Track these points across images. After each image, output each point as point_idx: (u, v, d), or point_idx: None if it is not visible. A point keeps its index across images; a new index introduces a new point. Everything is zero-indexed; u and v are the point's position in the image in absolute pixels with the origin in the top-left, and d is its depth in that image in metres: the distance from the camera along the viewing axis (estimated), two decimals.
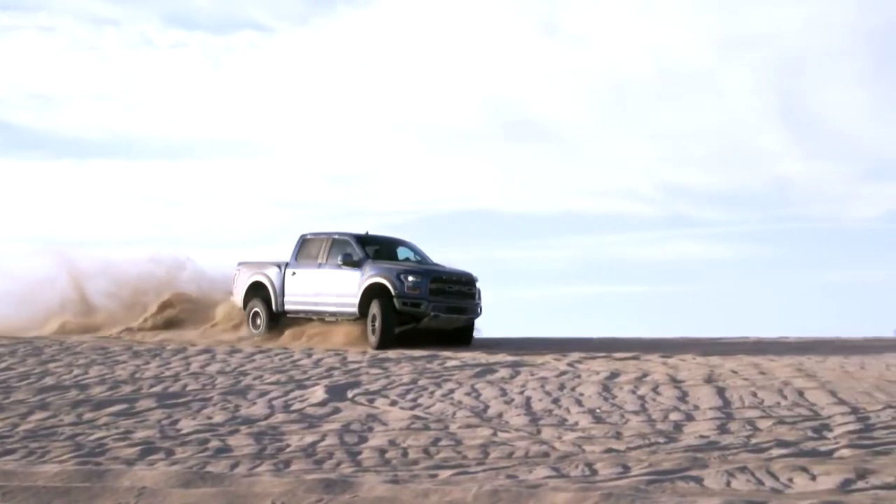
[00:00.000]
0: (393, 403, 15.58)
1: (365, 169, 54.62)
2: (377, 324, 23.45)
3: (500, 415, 14.54)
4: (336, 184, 54.04)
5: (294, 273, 25.84)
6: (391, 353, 21.82)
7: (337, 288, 24.72)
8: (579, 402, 15.41)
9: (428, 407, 15.26)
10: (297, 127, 54.67)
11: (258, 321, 26.46)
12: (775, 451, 11.62)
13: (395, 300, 23.51)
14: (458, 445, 12.27)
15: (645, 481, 10.13)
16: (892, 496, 9.49)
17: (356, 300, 24.14)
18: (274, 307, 26.16)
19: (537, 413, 14.62)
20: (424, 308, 23.60)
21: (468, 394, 16.40)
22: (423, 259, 26.16)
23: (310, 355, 21.64)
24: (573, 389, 16.62)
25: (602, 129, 50.47)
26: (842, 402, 15.10)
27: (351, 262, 24.51)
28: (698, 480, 10.23)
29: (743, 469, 10.64)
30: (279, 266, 26.21)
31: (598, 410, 14.73)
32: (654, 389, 16.46)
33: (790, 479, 10.28)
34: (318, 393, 16.40)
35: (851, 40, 47.35)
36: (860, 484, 10.05)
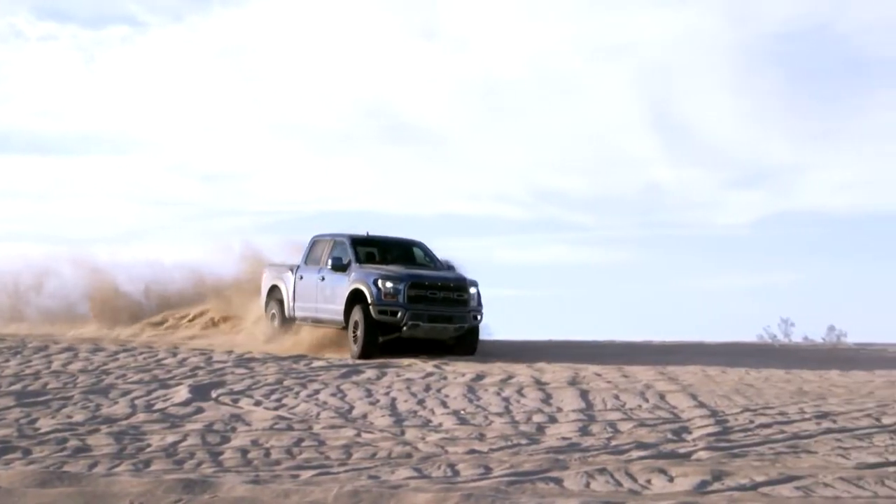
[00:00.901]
0: (257, 403, 15.47)
1: (239, 168, 54.16)
2: (358, 332, 21.63)
3: (364, 416, 14.52)
4: (209, 182, 53.51)
5: (301, 277, 24.08)
6: (257, 354, 21.66)
7: (327, 294, 22.96)
8: (444, 404, 15.46)
9: (292, 407, 15.18)
10: (170, 124, 54.00)
11: (275, 324, 25.05)
12: (635, 453, 11.78)
13: (370, 308, 21.49)
14: (322, 446, 12.22)
15: (506, 482, 10.19)
16: (747, 497, 9.68)
17: (341, 307, 22.29)
18: (287, 312, 24.54)
19: (402, 414, 14.62)
20: (401, 317, 21.43)
21: (333, 394, 16.35)
22: (433, 262, 23.95)
23: (175, 354, 21.38)
24: (439, 391, 16.67)
25: (477, 133, 50.70)
26: (702, 405, 15.37)
27: (339, 266, 22.59)
28: (558, 481, 10.32)
29: (602, 470, 10.76)
30: (292, 270, 24.56)
31: (462, 412, 14.79)
32: (519, 391, 16.57)
33: (648, 481, 10.42)
34: (182, 392, 16.21)
35: (720, 51, 48.22)
36: (716, 485, 10.23)
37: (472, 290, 22.11)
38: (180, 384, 17.12)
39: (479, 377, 18.24)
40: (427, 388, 16.89)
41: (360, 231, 24.18)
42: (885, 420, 14.39)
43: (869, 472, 10.84)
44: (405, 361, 20.54)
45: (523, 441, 12.58)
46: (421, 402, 15.58)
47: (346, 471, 10.79)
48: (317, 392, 16.57)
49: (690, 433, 13.21)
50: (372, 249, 23.72)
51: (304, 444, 12.35)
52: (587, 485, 10.22)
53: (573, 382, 17.63)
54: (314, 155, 52.96)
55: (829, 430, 13.47)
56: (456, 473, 10.73)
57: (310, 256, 24.15)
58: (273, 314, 25.06)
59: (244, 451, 11.88)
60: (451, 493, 9.42)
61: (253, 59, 52.97)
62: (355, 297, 21.84)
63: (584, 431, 13.27)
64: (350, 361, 20.62)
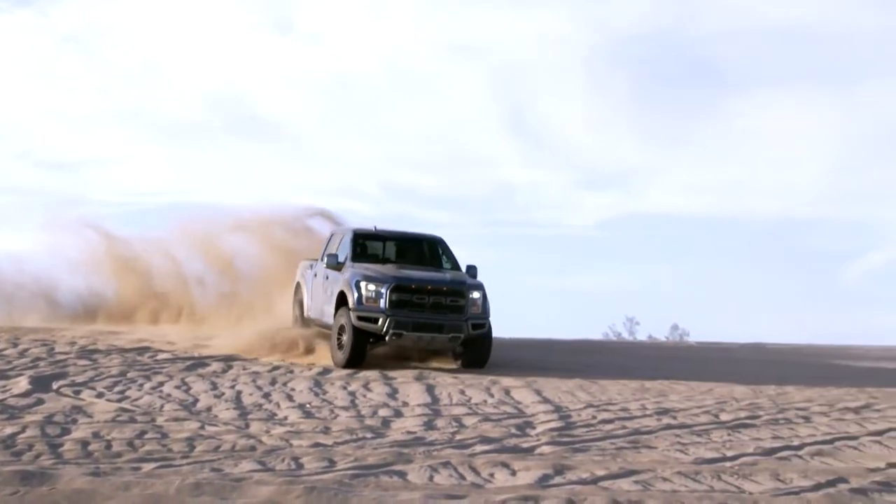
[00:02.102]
0: (99, 395, 15.19)
1: (82, 157, 53.15)
2: (344, 338, 19.17)
3: (209, 408, 14.37)
4: (50, 171, 52.40)
5: (315, 275, 21.82)
6: (101, 345, 21.28)
7: (328, 294, 20.54)
8: (290, 397, 15.38)
9: (135, 399, 14.94)
10: (10, 111, 52.74)
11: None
12: (479, 447, 11.87)
13: (350, 313, 19.04)
14: (164, 438, 12.06)
15: (350, 475, 10.18)
16: (587, 491, 9.82)
17: (332, 310, 19.98)
18: (306, 313, 22.25)
19: (247, 407, 14.51)
20: (382, 324, 18.91)
21: (178, 387, 16.14)
22: (448, 262, 21.26)
23: (15, 345, 20.89)
24: (285, 385, 16.58)
25: (330, 128, 50.59)
26: (546, 401, 15.56)
27: (335, 265, 20.36)
28: (402, 475, 10.35)
29: (446, 464, 10.83)
30: (312, 266, 22.30)
31: (308, 405, 14.73)
32: (365, 386, 16.58)
33: (491, 474, 10.51)
34: (22, 384, 15.83)
35: (573, 53, 48.85)
36: (558, 479, 10.37)
37: (474, 295, 19.47)
38: (21, 375, 16.73)
39: (326, 371, 18.20)
40: (273, 382, 16.79)
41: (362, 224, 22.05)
42: (724, 417, 14.74)
43: (706, 467, 11.09)
44: (251, 355, 20.33)
45: (368, 435, 12.58)
46: (266, 396, 15.48)
47: (188, 463, 10.66)
48: (161, 384, 16.35)
49: (534, 428, 13.36)
50: (377, 246, 21.52)
51: (146, 436, 12.17)
52: (431, 478, 10.27)
53: (420, 378, 17.70)
54: (160, 146, 52.30)
55: (668, 427, 13.75)
56: (300, 466, 10.68)
57: (326, 251, 21.63)
58: (296, 316, 23.02)
59: (85, 444, 11.66)
60: (294, 485, 9.40)
61: (102, 45, 52.09)
62: (341, 300, 19.62)
63: (429, 426, 13.32)
64: (196, 354, 20.34)
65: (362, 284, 19.07)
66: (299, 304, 22.62)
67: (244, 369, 18.22)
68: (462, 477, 10.38)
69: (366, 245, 21.08)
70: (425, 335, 19.14)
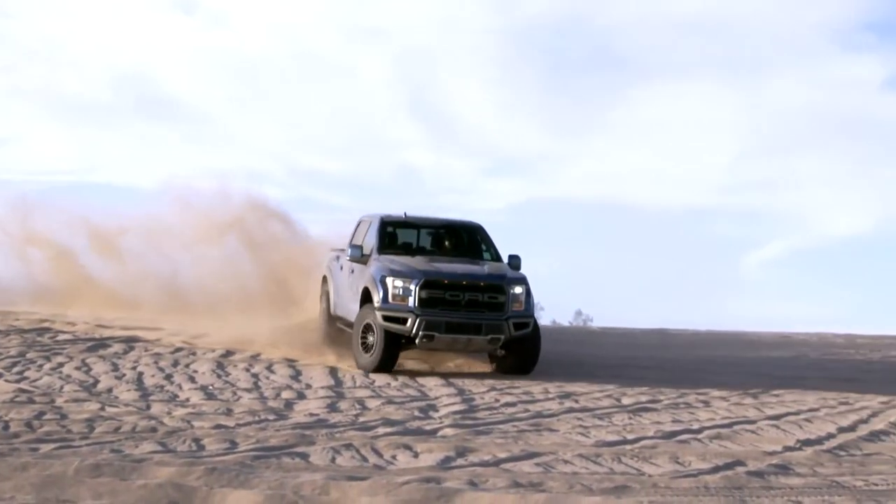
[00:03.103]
0: None
1: None
2: (371, 339, 16.85)
3: (109, 389, 14.22)
4: None
5: (342, 267, 19.25)
6: (0, 326, 20.95)
7: (354, 290, 18.05)
8: (192, 379, 15.28)
9: (35, 380, 14.74)
10: None
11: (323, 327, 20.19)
12: (381, 430, 11.87)
13: (376, 313, 16.74)
14: (64, 419, 11.91)
15: (251, 457, 10.14)
16: (489, 473, 9.88)
17: (358, 308, 17.57)
18: (331, 309, 19.67)
19: (148, 388, 14.38)
20: (411, 326, 16.57)
21: (78, 368, 15.97)
22: (488, 252, 18.86)
23: None
24: (187, 366, 16.48)
25: (235, 110, 50.21)
26: (450, 384, 15.61)
27: (358, 258, 17.99)
28: (304, 456, 10.33)
29: (349, 446, 10.83)
30: (338, 258, 19.70)
31: (210, 387, 14.64)
32: (269, 368, 16.52)
33: (393, 456, 10.53)
34: None
35: (481, 38, 48.96)
36: (460, 461, 10.42)
37: (516, 291, 17.07)
38: None
39: (229, 353, 18.08)
40: (175, 364, 16.67)
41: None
42: (625, 400, 14.90)
43: (607, 450, 11.20)
44: (152, 336, 20.10)
45: (271, 417, 12.53)
46: (168, 377, 15.36)
47: (88, 444, 10.54)
48: (61, 365, 16.16)
49: (437, 411, 13.40)
50: (407, 235, 19.13)
51: (45, 417, 12.01)
52: (333, 460, 10.27)
53: (323, 360, 17.66)
54: (68, 124, 51.59)
55: (571, 410, 13.86)
56: (201, 448, 10.61)
57: (353, 241, 19.06)
58: (323, 311, 20.36)
59: None
60: (194, 467, 9.36)
61: (5, 22, 51.23)
62: (366, 297, 17.27)
63: (333, 408, 13.30)
64: (97, 335, 20.06)
65: (388, 280, 16.76)
66: (326, 298, 20.06)
67: (146, 351, 18.06)
68: (364, 459, 10.39)
69: (395, 234, 18.80)
70: (460, 337, 16.77)
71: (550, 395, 14.93)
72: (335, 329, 19.27)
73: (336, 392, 14.53)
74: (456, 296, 16.78)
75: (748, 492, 9.59)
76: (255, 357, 17.65)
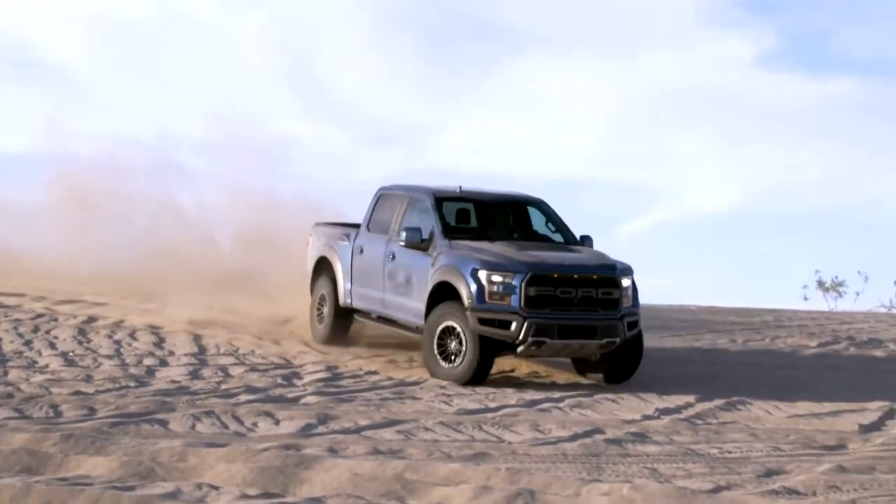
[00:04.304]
0: None
1: None
2: (453, 346, 13.94)
3: None
4: None
5: (362, 250, 16.02)
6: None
7: (400, 281, 15.13)
8: (52, 345, 15.04)
9: None
10: None
11: (324, 315, 16.77)
12: (244, 397, 11.83)
13: (468, 315, 13.78)
14: None
15: (109, 423, 10.04)
16: (350, 440, 9.91)
17: (422, 305, 14.46)
18: (340, 299, 16.36)
19: (6, 355, 14.13)
20: (516, 331, 13.66)
21: None
22: (560, 233, 15.89)
23: None
24: (48, 332, 16.20)
25: (107, 73, 49.24)
26: (315, 351, 15.57)
27: (417, 243, 14.68)
28: (164, 423, 10.26)
29: (209, 413, 10.77)
30: (348, 237, 16.49)
31: (70, 354, 14.43)
32: (132, 335, 16.30)
33: (254, 424, 10.51)
34: None
35: (357, 7, 48.73)
36: (321, 428, 10.44)
37: (625, 283, 14.35)
38: None
39: (92, 319, 17.79)
40: (35, 330, 16.38)
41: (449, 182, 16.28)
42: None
43: (468, 418, 11.30)
44: (12, 301, 19.62)
45: (132, 384, 12.40)
46: (28, 343, 15.10)
47: None
48: None
49: (301, 379, 13.39)
50: (467, 214, 15.76)
51: None
52: (192, 427, 10.21)
53: (189, 328, 17.43)
54: None
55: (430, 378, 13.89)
56: (58, 414, 10.48)
57: (374, 219, 16.13)
58: (321, 300, 16.89)
59: None
60: (50, 433, 9.25)
61: None
62: (443, 293, 14.26)
63: (195, 375, 13.21)
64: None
65: (483, 274, 13.75)
66: (330, 285, 16.60)
67: (6, 317, 17.69)
68: (225, 426, 10.35)
69: (453, 214, 15.47)
70: (573, 343, 14.08)
71: (415, 364, 14.96)
72: (345, 324, 16.55)
73: (199, 359, 14.41)
74: (567, 292, 13.91)
75: (605, 459, 9.75)
76: (118, 324, 17.39)
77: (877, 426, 11.87)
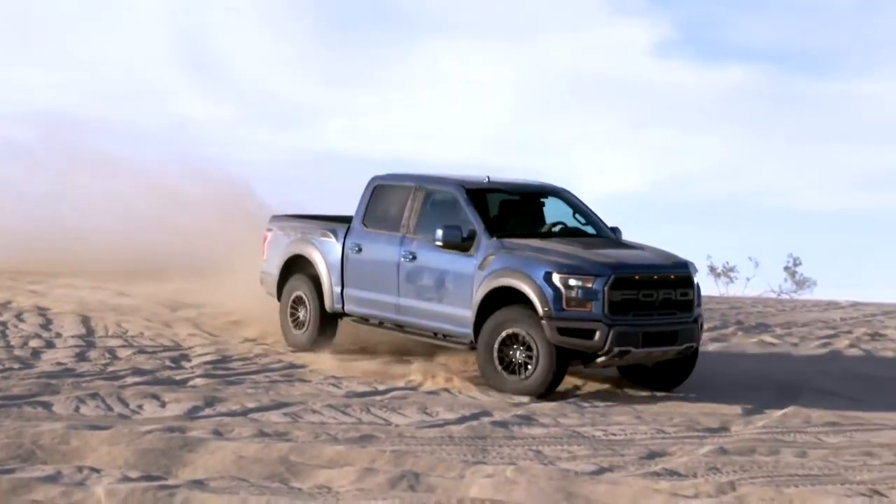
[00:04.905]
0: None
1: None
2: (534, 357, 12.40)
3: None
4: None
5: (359, 248, 14.26)
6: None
7: (428, 285, 13.56)
8: None
9: None
10: None
11: (302, 319, 14.89)
12: (130, 379, 11.73)
13: (545, 324, 12.33)
14: None
15: None
16: (236, 423, 9.89)
17: (469, 313, 12.92)
18: (327, 303, 14.57)
19: None
20: (600, 340, 12.31)
21: None
22: (593, 225, 14.49)
23: None
24: None
25: None
26: (205, 333, 15.45)
27: (457, 243, 13.12)
28: (47, 406, 10.15)
29: (94, 395, 10.67)
30: (334, 233, 14.75)
31: None
32: (18, 317, 16.03)
33: (140, 406, 10.44)
34: None
35: None
36: (207, 411, 10.39)
37: (696, 282, 13.43)
38: None
39: None
40: None
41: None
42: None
43: (357, 401, 11.30)
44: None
45: (16, 366, 12.23)
46: None
47: None
48: None
49: (189, 361, 13.28)
50: (507, 207, 14.26)
51: None
52: (77, 409, 10.11)
53: (77, 309, 17.19)
54: None
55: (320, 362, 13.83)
56: None
57: (371, 213, 14.43)
58: (296, 303, 15.00)
59: None
60: None
61: None
62: (500, 298, 12.78)
63: (81, 357, 13.04)
64: None
65: (558, 278, 12.35)
66: (309, 287, 14.78)
67: None
68: (109, 408, 10.27)
69: (491, 210, 13.81)
70: (655, 350, 12.85)
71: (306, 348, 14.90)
72: (332, 329, 14.79)
73: (86, 341, 14.23)
74: (649, 295, 12.71)
75: (491, 441, 9.83)
76: (4, 305, 17.09)
77: (759, 409, 12.07)
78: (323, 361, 13.59)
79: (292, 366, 13.35)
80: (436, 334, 13.46)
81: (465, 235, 13.05)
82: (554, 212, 14.42)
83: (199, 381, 11.94)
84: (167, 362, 13.05)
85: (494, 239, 13.02)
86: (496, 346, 12.55)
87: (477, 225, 13.17)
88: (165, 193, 22.68)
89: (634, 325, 12.44)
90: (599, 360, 12.54)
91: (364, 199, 14.53)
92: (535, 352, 12.37)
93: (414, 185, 14.09)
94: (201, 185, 22.45)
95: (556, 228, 14.08)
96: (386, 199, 14.34)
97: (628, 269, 12.65)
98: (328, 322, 14.69)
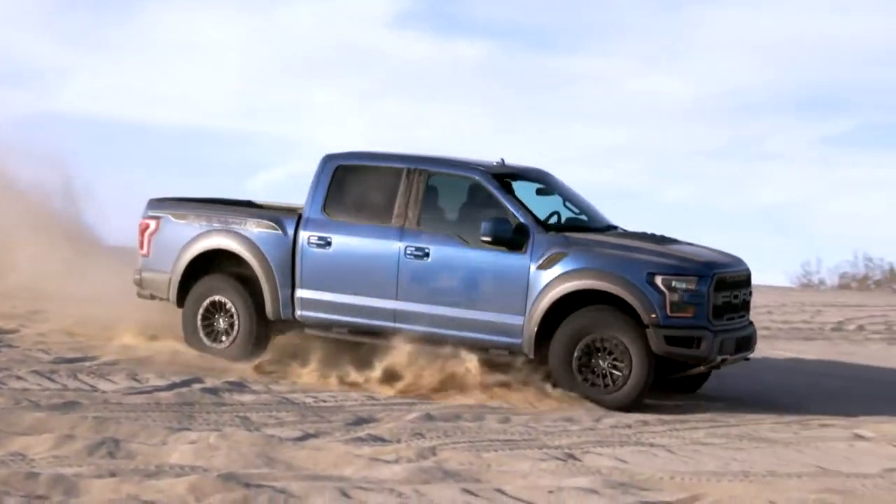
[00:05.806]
0: None
1: None
2: (630, 367, 11.06)
3: None
4: None
5: (328, 243, 12.08)
6: None
7: (457, 287, 11.63)
8: None
9: None
10: None
11: (225, 327, 12.45)
12: None
13: (649, 333, 10.97)
14: None
15: None
16: None
17: (520, 321, 11.41)
18: (269, 309, 12.30)
19: None
20: (707, 347, 11.07)
21: None
22: (588, 214, 12.80)
23: None
24: None
25: None
26: None
27: (506, 238, 11.43)
28: None
29: None
30: (279, 223, 12.40)
31: None
32: None
33: None
34: None
35: None
36: None
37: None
38: None
39: None
40: None
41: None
42: None
43: (64, 367, 11.08)
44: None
45: None
46: None
47: None
48: None
49: None
50: (533, 196, 12.38)
51: None
52: None
53: None
54: None
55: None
56: None
57: (335, 199, 12.31)
58: (211, 309, 12.52)
59: None
60: None
61: None
62: (572, 302, 11.29)
63: None
64: None
65: (661, 280, 11.04)
66: (238, 290, 12.42)
67: None
68: None
69: (526, 199, 12.00)
70: (738, 356, 11.82)
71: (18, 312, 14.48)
72: (264, 340, 12.49)
73: None
74: (735, 297, 11.67)
75: (199, 408, 9.79)
76: None
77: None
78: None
79: (1, 331, 12.98)
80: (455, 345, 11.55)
81: (512, 231, 11.42)
82: (551, 195, 12.73)
83: None
84: None
85: (552, 234, 11.55)
86: (575, 355, 11.18)
87: (523, 217, 11.51)
88: None
89: (730, 330, 11.48)
90: (693, 370, 11.60)
91: (321, 182, 12.30)
92: (627, 362, 11.05)
93: (405, 167, 12.05)
94: None
95: (563, 219, 12.39)
96: (357, 184, 12.31)
97: (722, 269, 11.55)
98: (263, 332, 12.45)
